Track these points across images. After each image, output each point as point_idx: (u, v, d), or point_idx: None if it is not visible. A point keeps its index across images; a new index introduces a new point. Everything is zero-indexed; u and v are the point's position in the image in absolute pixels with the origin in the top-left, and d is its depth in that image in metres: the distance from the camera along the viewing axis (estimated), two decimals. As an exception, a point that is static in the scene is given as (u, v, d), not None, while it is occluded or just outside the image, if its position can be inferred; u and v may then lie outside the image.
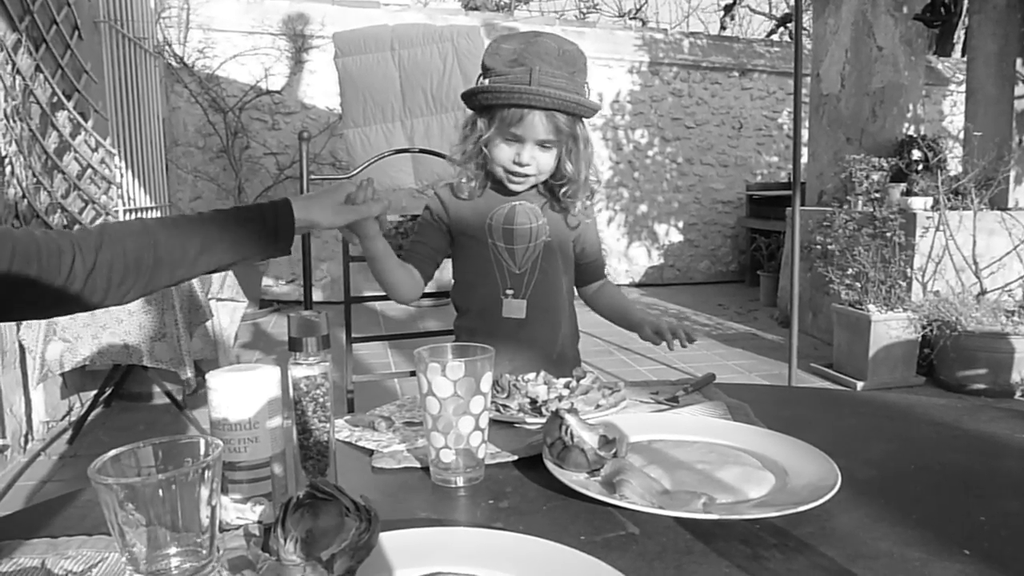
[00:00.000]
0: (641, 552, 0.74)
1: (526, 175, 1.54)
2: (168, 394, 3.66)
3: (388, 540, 0.72)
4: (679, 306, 6.99)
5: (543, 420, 1.10)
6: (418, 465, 0.99)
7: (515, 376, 1.28)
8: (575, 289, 1.78)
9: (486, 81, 1.50)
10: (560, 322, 1.69)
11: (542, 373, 1.30)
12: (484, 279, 1.62)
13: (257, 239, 1.05)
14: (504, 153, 1.53)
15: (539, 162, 1.53)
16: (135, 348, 3.10)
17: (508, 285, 1.61)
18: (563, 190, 1.59)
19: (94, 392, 3.64)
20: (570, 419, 0.94)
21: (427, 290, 1.69)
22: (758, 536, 0.77)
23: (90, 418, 3.49)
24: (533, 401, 1.21)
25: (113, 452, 0.63)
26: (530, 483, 0.93)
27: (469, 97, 1.53)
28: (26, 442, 3.26)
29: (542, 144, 1.51)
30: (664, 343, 1.51)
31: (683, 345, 1.49)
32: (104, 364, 3.30)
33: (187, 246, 0.99)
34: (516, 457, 1.00)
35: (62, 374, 3.47)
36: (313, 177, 2.04)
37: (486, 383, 0.92)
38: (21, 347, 3.19)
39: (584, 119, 1.55)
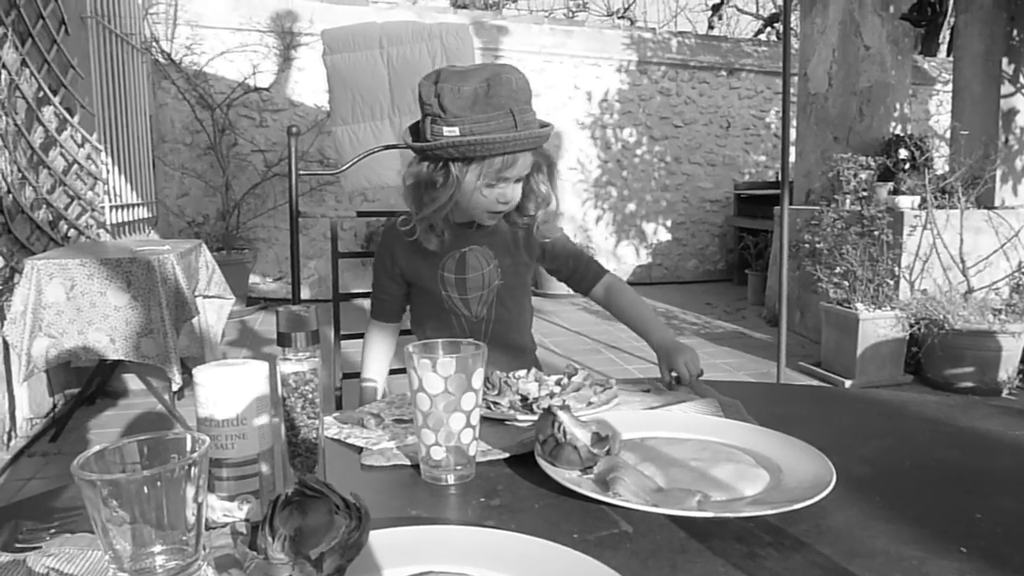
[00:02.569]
0: (635, 550, 0.73)
1: (505, 211, 1.50)
2: (154, 391, 3.63)
3: (378, 538, 0.71)
4: (667, 305, 6.99)
5: (534, 417, 1.09)
6: (408, 463, 0.98)
7: (506, 373, 1.28)
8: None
9: (455, 129, 1.35)
10: (521, 355, 1.67)
11: (533, 370, 1.29)
12: (441, 328, 1.60)
13: None
14: (487, 199, 1.44)
15: (516, 195, 1.48)
16: (121, 344, 3.06)
17: (467, 332, 1.58)
18: (540, 214, 1.53)
19: (79, 389, 3.60)
20: (562, 416, 0.93)
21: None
22: (753, 534, 0.76)
23: (75, 415, 3.46)
24: (524, 398, 1.20)
25: (97, 448, 0.61)
26: (522, 481, 0.92)
27: (439, 148, 1.38)
28: (9, 439, 3.22)
29: (518, 178, 1.47)
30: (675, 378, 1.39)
31: (671, 387, 1.37)
32: (90, 360, 3.26)
33: None
34: (508, 455, 0.99)
35: (47, 370, 3.44)
36: (301, 173, 2.02)
37: (477, 380, 0.91)
38: (5, 343, 3.15)
39: None
